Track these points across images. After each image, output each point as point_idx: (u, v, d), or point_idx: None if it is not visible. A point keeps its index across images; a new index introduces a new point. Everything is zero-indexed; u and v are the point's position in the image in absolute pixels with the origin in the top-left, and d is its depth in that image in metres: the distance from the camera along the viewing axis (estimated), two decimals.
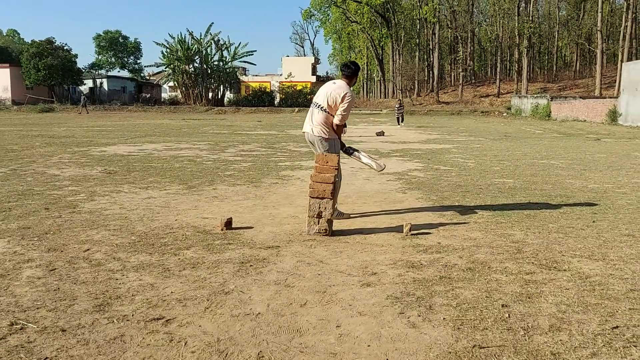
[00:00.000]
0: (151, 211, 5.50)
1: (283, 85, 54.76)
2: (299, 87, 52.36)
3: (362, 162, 5.54)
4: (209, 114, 41.23)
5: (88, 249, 4.05)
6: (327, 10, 66.34)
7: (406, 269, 3.64)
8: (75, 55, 51.42)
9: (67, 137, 16.05)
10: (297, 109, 44.90)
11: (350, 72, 5.17)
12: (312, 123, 5.14)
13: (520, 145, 14.49)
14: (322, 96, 5.07)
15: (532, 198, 6.44)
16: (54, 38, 50.64)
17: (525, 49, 49.14)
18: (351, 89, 5.12)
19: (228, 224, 4.77)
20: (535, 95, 39.80)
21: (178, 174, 8.37)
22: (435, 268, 3.67)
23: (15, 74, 48.54)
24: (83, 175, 8.03)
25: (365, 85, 78.99)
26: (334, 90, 5.01)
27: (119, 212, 5.42)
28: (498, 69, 55.02)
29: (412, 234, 4.57)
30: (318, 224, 4.58)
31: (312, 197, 4.56)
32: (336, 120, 5.04)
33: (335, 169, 4.70)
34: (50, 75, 47.08)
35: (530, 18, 49.73)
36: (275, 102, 51.93)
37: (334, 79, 5.71)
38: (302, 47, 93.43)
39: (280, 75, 60.75)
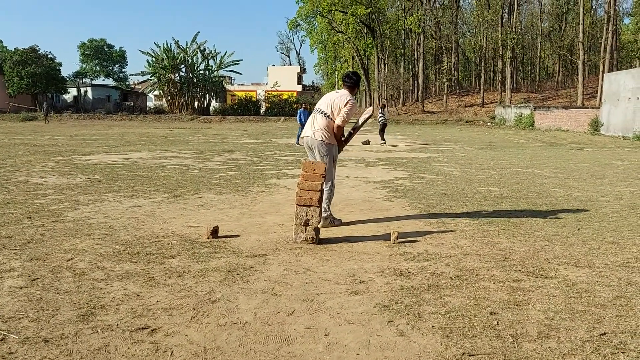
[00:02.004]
0: (136, 220, 5.43)
1: (269, 94, 54.79)
2: (284, 97, 52.42)
3: (362, 122, 5.74)
4: (194, 122, 41.05)
5: (72, 258, 3.98)
6: (312, 20, 66.58)
7: (394, 277, 3.63)
8: (60, 64, 51.04)
9: (51, 145, 15.85)
10: (282, 118, 44.92)
11: (352, 82, 5.38)
12: (314, 128, 5.25)
13: (505, 154, 14.63)
14: (325, 103, 5.28)
15: (518, 206, 6.49)
16: (37, 46, 50.27)
17: (509, 60, 49.80)
18: (354, 97, 5.30)
19: (214, 233, 4.72)
20: (519, 105, 40.29)
21: (163, 182, 8.30)
22: (423, 276, 3.66)
23: None
24: (67, 184, 7.92)
25: None
26: (337, 97, 5.24)
27: (103, 221, 5.34)
28: (482, 79, 55.63)
29: (399, 242, 4.57)
30: (305, 232, 4.56)
31: (299, 205, 4.54)
32: (338, 121, 5.18)
33: (322, 177, 4.69)
34: (34, 84, 46.64)
35: (514, 29, 50.43)
36: (261, 111, 51.91)
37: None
38: (288, 56, 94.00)
39: (266, 84, 60.83)
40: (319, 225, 4.62)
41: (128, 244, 4.45)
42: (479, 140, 21.36)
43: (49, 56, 49.98)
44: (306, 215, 4.53)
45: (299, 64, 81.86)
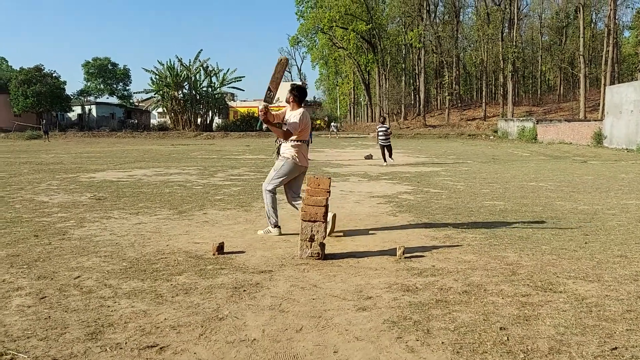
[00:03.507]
0: (142, 237, 5.44)
1: (271, 110, 54.98)
2: None
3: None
4: (197, 139, 41.24)
5: (79, 276, 3.98)
6: (314, 36, 67.19)
7: (402, 293, 3.62)
8: (64, 82, 51.58)
9: (56, 163, 15.93)
10: None
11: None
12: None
13: (509, 167, 14.63)
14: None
15: (524, 220, 6.47)
16: (42, 65, 50.82)
17: (510, 73, 50.04)
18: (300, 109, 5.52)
19: (220, 249, 4.72)
20: (521, 119, 40.37)
21: (168, 199, 8.32)
22: (430, 291, 3.65)
23: (3, 101, 48.43)
24: (72, 202, 7.94)
25: (352, 109, 79.70)
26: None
27: (110, 239, 5.35)
28: (484, 93, 55.84)
29: (405, 257, 4.56)
30: (310, 247, 4.55)
31: (305, 221, 4.55)
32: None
33: (327, 192, 4.71)
34: (39, 102, 47.03)
35: (514, 43, 50.75)
36: (264, 127, 51.89)
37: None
38: (290, 72, 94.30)
39: (278, 101, 61.09)
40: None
41: (135, 261, 4.45)
42: (482, 154, 21.38)
43: (53, 75, 50.49)
44: (311, 231, 4.53)
45: (301, 80, 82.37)
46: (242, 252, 4.82)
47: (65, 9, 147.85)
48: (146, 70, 54.04)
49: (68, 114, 55.24)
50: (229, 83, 53.89)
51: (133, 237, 5.44)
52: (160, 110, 58.16)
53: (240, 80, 55.11)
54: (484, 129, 46.76)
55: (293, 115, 5.49)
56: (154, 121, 63.56)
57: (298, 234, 4.66)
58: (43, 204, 7.76)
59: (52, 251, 4.77)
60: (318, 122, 55.02)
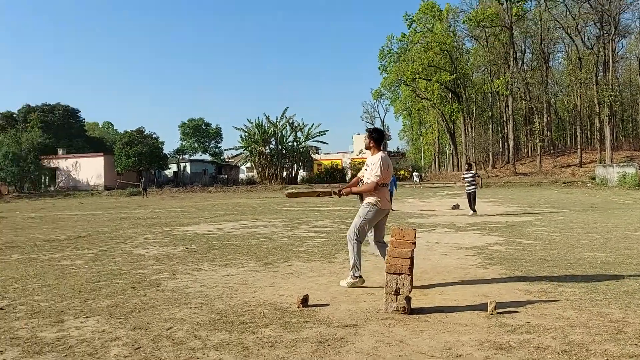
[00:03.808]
0: (230, 288, 5.59)
1: (354, 162, 55.73)
2: None
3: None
4: (283, 192, 42.24)
5: (171, 327, 4.13)
6: (396, 89, 67.94)
7: (494, 351, 3.40)
8: (162, 142, 55.61)
9: (152, 218, 16.95)
10: None
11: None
12: None
13: (609, 216, 13.59)
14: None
15: (629, 273, 5.93)
16: (143, 127, 55.27)
17: (607, 117, 47.28)
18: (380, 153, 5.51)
19: (304, 301, 4.73)
20: (622, 164, 37.73)
21: (255, 251, 8.52)
22: (526, 350, 3.40)
23: (108, 161, 52.86)
24: (166, 255, 8.37)
25: (437, 159, 78.58)
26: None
27: (200, 290, 5.54)
28: (578, 139, 53.02)
29: (497, 313, 4.31)
30: (396, 301, 4.44)
31: (389, 273, 4.46)
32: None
33: (413, 244, 4.61)
34: (139, 162, 50.79)
35: (610, 86, 48.12)
36: (347, 178, 52.67)
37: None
38: (373, 124, 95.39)
39: (352, 152, 62.02)
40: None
41: (223, 312, 4.56)
42: (578, 202, 20.08)
43: (153, 136, 54.63)
44: (397, 284, 4.43)
45: (384, 131, 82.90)
46: (327, 304, 4.79)
47: (163, 76, 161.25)
48: (236, 128, 57.09)
49: (165, 171, 59.13)
50: (313, 137, 55.50)
51: (221, 288, 5.60)
52: (248, 165, 60.78)
53: (324, 134, 56.59)
54: (580, 175, 44.11)
55: (373, 162, 5.49)
56: (242, 176, 66.40)
57: (382, 287, 4.58)
58: (140, 256, 8.23)
59: (147, 302, 5.02)
60: (402, 172, 54.73)
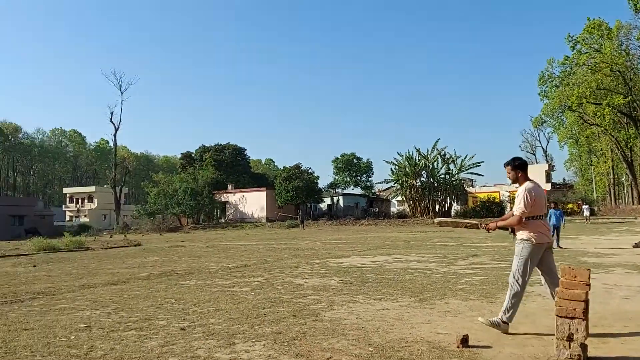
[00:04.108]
0: (385, 323, 5.58)
1: (513, 194, 52.36)
2: None
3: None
4: (436, 226, 41.29)
5: (330, 357, 4.25)
6: (560, 115, 63.11)
7: None
8: (317, 177, 58.17)
9: (309, 249, 17.70)
10: None
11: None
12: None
13: None
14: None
15: None
16: (301, 163, 58.58)
17: None
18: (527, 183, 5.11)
19: (464, 342, 4.53)
20: None
21: (409, 286, 8.42)
22: None
23: (270, 195, 56.77)
24: (323, 285, 8.66)
25: (612, 191, 70.56)
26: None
27: (356, 322, 5.63)
28: None
29: None
30: (569, 348, 4.04)
31: (560, 317, 4.09)
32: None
33: (587, 285, 4.19)
34: (297, 195, 53.70)
35: None
36: (506, 212, 49.63)
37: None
38: (534, 154, 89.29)
39: (510, 184, 58.43)
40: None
41: (380, 347, 4.57)
42: None
43: (309, 171, 57.53)
44: (569, 329, 4.04)
45: (547, 162, 77.09)
46: (489, 346, 4.54)
47: (317, 117, 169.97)
48: (386, 162, 57.43)
49: (320, 204, 61.65)
50: (467, 169, 53.65)
51: (377, 322, 5.62)
52: (399, 198, 60.64)
53: (479, 165, 54.39)
54: None
55: (517, 194, 5.12)
56: (393, 209, 66.40)
57: (550, 332, 4.21)
58: (299, 286, 8.63)
59: (307, 331, 5.23)
60: (570, 205, 50.12)
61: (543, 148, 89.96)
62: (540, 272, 5.26)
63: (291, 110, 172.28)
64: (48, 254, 19.02)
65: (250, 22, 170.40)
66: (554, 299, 4.86)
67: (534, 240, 5.00)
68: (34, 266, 14.00)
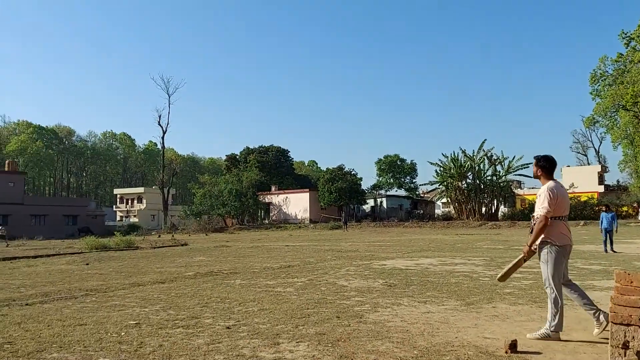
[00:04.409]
0: (431, 326, 5.50)
1: None
2: (583, 199, 47.84)
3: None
4: (482, 228, 40.46)
5: (375, 359, 4.22)
6: (613, 115, 60.54)
7: None
8: (361, 179, 57.96)
9: (352, 251, 17.66)
10: (582, 222, 40.57)
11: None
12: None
13: None
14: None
15: None
16: (343, 165, 58.57)
17: None
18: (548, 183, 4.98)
19: (513, 347, 4.41)
20: None
21: (455, 289, 8.27)
22: None
23: (313, 197, 57.01)
24: (367, 287, 8.61)
25: None
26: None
27: (400, 325, 5.57)
28: None
29: None
30: (624, 356, 3.86)
31: (615, 323, 3.92)
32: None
33: None
34: (340, 197, 53.71)
35: None
36: None
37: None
38: (585, 155, 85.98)
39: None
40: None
41: (425, 350, 4.51)
42: None
43: (352, 173, 57.44)
44: (624, 336, 3.87)
45: (599, 163, 74.15)
46: (539, 353, 4.40)
47: (361, 118, 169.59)
48: (431, 163, 56.69)
49: (363, 206, 61.44)
50: (515, 171, 52.29)
51: (422, 325, 5.54)
52: (444, 200, 59.68)
53: (528, 167, 52.87)
54: None
55: (539, 194, 4.92)
56: (438, 211, 65.46)
57: (595, 340, 4.04)
58: (343, 287, 8.62)
59: (351, 333, 5.21)
60: (624, 208, 48.04)
61: (595, 149, 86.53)
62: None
63: (334, 111, 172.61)
64: (100, 252, 19.75)
65: (295, 21, 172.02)
66: (578, 300, 4.92)
67: (556, 242, 4.85)
68: (87, 264, 14.56)
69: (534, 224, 4.96)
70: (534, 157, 5.19)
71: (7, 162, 62.31)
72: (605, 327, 4.65)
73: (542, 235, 4.88)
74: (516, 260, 5.32)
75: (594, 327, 4.92)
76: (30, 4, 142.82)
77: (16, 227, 50.23)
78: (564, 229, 4.92)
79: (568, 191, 5.08)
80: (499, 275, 5.58)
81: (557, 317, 4.83)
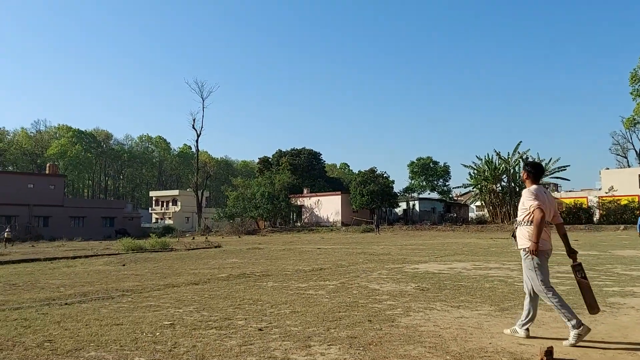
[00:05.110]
0: (464, 331, 5.42)
1: (603, 200, 49.20)
2: (623, 202, 46.30)
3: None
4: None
5: None
6: None
7: None
8: (393, 181, 57.55)
9: (384, 254, 17.55)
10: (622, 227, 39.28)
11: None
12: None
13: None
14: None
15: None
16: (376, 168, 58.28)
17: None
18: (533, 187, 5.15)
19: (548, 354, 4.30)
20: None
21: (489, 294, 8.12)
22: None
23: (345, 200, 56.94)
24: (399, 291, 8.55)
25: None
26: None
27: (433, 330, 5.51)
28: None
29: None
30: None
31: None
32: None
33: None
34: (372, 200, 53.47)
35: None
36: (594, 219, 46.74)
37: None
38: (625, 157, 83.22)
39: (599, 189, 54.99)
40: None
41: (458, 355, 4.44)
42: None
43: (384, 175, 57.10)
44: None
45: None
46: None
47: (392, 120, 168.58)
48: (465, 166, 55.78)
49: (395, 209, 61.00)
50: (552, 173, 51.06)
51: (455, 330, 5.47)
52: (478, 203, 58.74)
53: (565, 169, 51.57)
54: None
55: (522, 200, 5.13)
56: (472, 214, 64.41)
57: (635, 348, 3.90)
58: (375, 291, 8.58)
59: (383, 337, 5.18)
60: None
61: (636, 150, 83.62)
62: (524, 280, 5.25)
63: (366, 114, 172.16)
64: (135, 253, 20.20)
65: (326, 24, 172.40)
66: (526, 308, 5.13)
67: (539, 248, 5.00)
68: (123, 265, 14.92)
69: (516, 228, 5.25)
70: (523, 163, 5.51)
71: (48, 165, 64.47)
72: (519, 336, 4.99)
73: (527, 241, 5.05)
74: (577, 280, 5.26)
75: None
76: (67, 16, 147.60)
77: (56, 228, 51.93)
78: (545, 234, 5.08)
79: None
80: (590, 311, 5.27)
81: (568, 313, 4.83)
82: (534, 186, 5.16)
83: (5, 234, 33.87)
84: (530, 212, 4.98)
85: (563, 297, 7.76)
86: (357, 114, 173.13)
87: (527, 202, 5.02)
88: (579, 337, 4.74)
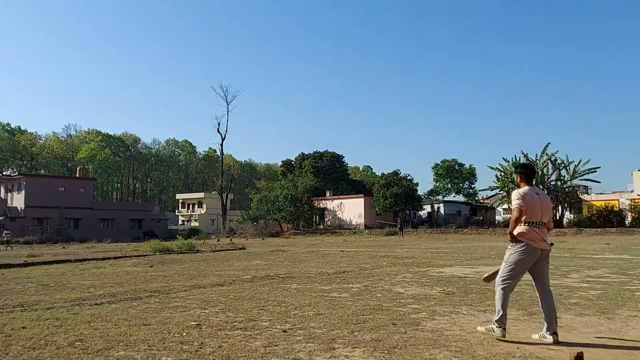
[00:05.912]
0: (491, 336, 5.35)
1: (635, 203, 48.00)
2: None
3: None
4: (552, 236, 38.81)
5: None
6: None
7: None
8: (417, 184, 57.23)
9: (409, 257, 17.44)
10: None
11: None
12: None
13: None
14: None
15: None
16: (399, 170, 58.00)
17: None
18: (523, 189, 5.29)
19: (578, 359, 4.22)
20: None
21: (516, 298, 7.99)
22: None
23: (368, 202, 56.80)
24: (424, 295, 8.48)
25: None
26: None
27: (459, 334, 5.45)
28: None
29: None
30: None
31: None
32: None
33: None
34: (395, 202, 53.21)
35: None
36: (626, 222, 45.58)
37: None
38: None
39: (631, 192, 53.65)
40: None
41: None
42: None
43: (408, 178, 56.76)
44: None
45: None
46: None
47: (416, 122, 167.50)
48: (491, 168, 55.02)
49: (419, 212, 60.53)
50: (581, 175, 50.05)
51: (482, 334, 5.40)
52: (505, 206, 57.85)
53: (595, 171, 50.48)
54: None
55: (512, 197, 5.24)
56: (499, 217, 63.48)
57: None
58: (399, 294, 8.53)
59: (408, 340, 5.15)
60: None
61: None
62: (533, 282, 5.34)
63: (389, 116, 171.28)
64: (163, 255, 20.50)
65: (348, 24, 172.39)
66: (543, 311, 5.11)
67: (521, 247, 5.06)
68: (151, 266, 15.15)
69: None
70: (514, 165, 5.65)
71: (78, 168, 65.99)
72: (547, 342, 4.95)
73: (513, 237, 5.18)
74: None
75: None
76: (98, 29, 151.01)
77: (86, 230, 53.04)
78: (534, 234, 5.11)
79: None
80: (484, 276, 5.85)
81: (501, 317, 5.11)
82: (525, 187, 5.31)
83: (4, 235, 34.59)
84: (515, 205, 5.18)
85: (592, 300, 7.63)
86: (380, 115, 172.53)
87: (513, 201, 5.23)
88: (491, 331, 5.15)
